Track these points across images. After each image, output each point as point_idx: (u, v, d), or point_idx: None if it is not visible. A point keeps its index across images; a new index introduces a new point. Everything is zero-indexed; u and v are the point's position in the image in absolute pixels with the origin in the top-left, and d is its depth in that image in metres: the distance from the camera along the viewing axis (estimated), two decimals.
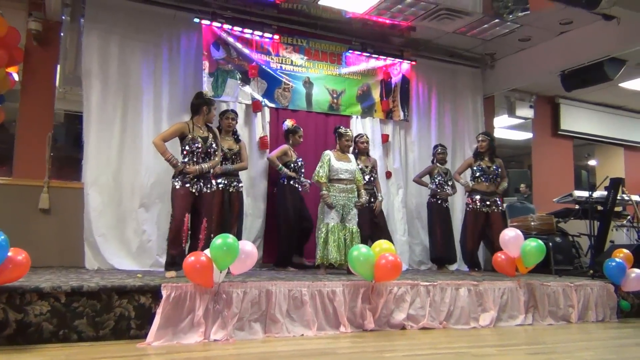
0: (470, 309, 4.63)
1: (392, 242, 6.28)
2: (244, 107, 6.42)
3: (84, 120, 5.67)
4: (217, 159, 4.75)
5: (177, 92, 6.11)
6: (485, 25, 6.73)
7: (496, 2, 6.13)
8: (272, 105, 6.57)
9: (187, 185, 4.48)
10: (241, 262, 3.73)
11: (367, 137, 6.48)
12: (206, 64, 6.19)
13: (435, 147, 7.07)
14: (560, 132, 9.25)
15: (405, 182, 7.38)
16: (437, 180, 6.84)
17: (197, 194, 4.51)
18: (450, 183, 6.90)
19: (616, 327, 5.04)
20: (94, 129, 5.68)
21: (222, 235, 3.67)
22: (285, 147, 6.13)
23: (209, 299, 3.62)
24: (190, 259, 3.58)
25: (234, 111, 5.80)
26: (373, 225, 6.21)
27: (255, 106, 6.43)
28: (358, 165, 5.90)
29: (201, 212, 4.47)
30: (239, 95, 6.37)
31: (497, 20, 6.56)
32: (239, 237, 5.25)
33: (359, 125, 7.08)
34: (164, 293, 3.53)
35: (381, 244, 4.46)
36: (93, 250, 5.49)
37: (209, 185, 4.61)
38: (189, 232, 4.20)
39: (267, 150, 6.38)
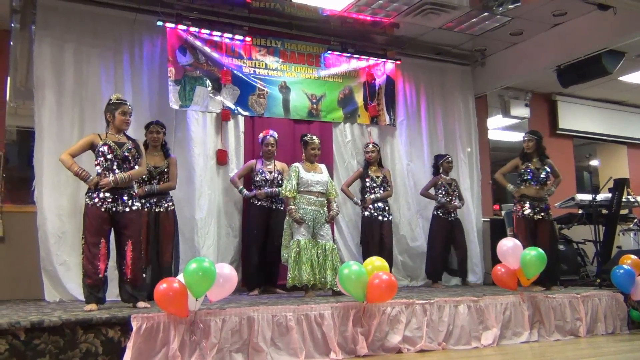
0: (471, 327, 4.65)
1: (392, 260, 6.52)
2: (214, 117, 6.44)
3: (36, 136, 5.60)
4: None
5: (141, 102, 6.09)
6: (474, 20, 6.83)
7: None
8: (247, 113, 6.59)
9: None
10: (219, 287, 3.73)
11: (373, 147, 6.64)
12: (172, 70, 6.20)
13: (442, 156, 7.20)
14: (558, 132, 9.43)
15: (395, 193, 7.41)
16: (442, 192, 6.99)
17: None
18: (456, 193, 7.07)
19: (628, 339, 5.11)
20: (49, 145, 5.60)
21: (196, 259, 3.67)
22: (249, 163, 6.25)
23: (184, 329, 3.60)
24: (162, 286, 3.56)
25: (158, 123, 5.52)
26: (381, 242, 6.42)
27: (224, 115, 6.42)
28: (373, 176, 6.42)
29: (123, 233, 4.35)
30: (209, 104, 6.38)
31: (486, 14, 6.67)
32: (176, 262, 5.31)
33: (344, 132, 7.15)
34: (134, 325, 3.50)
35: (373, 262, 4.48)
36: (53, 280, 5.43)
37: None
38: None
39: (229, 166, 6.42)
